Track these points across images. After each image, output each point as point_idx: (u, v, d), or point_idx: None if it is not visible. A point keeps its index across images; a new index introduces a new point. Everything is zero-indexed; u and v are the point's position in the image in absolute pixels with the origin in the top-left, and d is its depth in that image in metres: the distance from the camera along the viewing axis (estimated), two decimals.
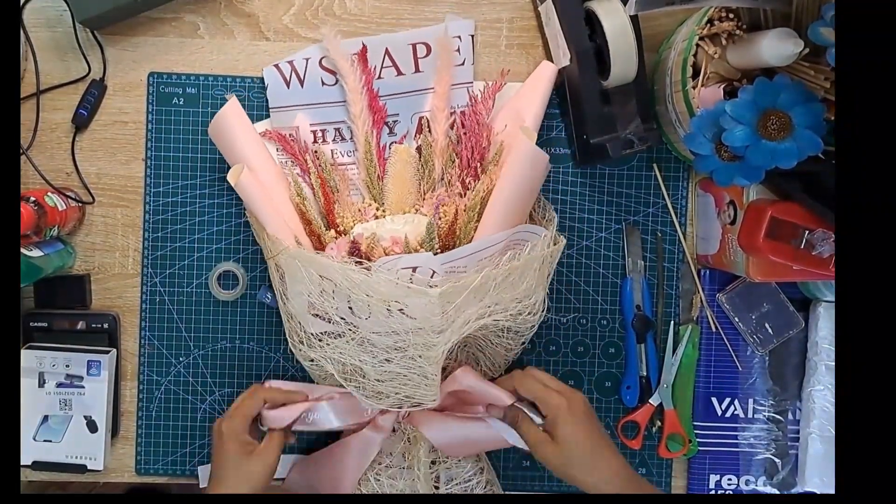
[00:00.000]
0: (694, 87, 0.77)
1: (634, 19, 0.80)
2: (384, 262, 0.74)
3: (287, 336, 0.84)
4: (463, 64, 0.89)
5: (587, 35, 0.82)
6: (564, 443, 0.76)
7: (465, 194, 0.83)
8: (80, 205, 0.89)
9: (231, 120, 0.82)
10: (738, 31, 0.76)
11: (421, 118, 0.89)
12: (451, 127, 0.88)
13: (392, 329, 0.75)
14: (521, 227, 0.79)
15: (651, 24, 0.87)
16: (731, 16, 0.76)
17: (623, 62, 0.81)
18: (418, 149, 0.88)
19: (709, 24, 0.76)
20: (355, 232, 0.81)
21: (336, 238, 0.81)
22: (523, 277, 0.78)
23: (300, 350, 0.82)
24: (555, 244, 0.81)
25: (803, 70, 0.70)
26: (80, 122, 0.89)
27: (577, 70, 0.83)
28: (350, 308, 0.75)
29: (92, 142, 0.90)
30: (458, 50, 0.88)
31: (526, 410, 0.80)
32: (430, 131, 0.87)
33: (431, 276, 0.75)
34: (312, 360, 0.82)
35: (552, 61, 0.89)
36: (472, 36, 0.89)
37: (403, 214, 0.84)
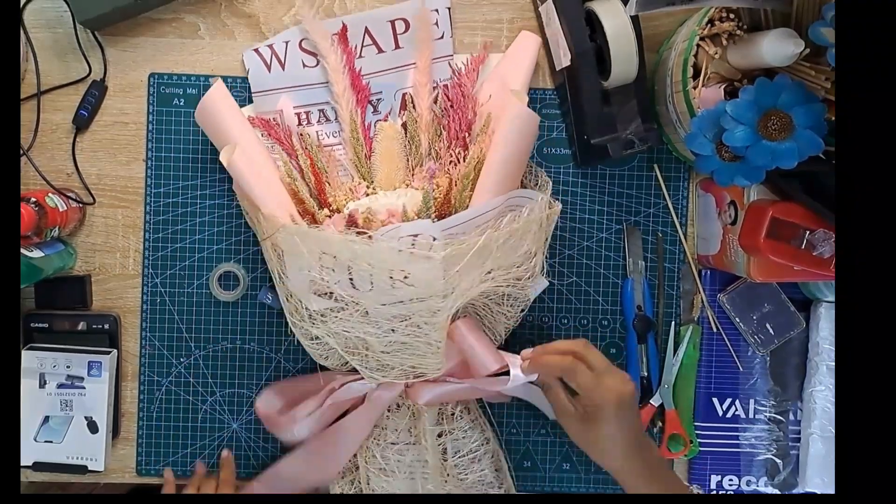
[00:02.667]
0: (694, 88, 0.77)
1: (635, 19, 0.80)
2: (385, 231, 0.74)
3: (287, 317, 0.83)
4: (442, 37, 0.89)
5: (588, 35, 0.82)
6: (601, 436, 0.75)
7: (456, 165, 0.82)
8: (81, 205, 0.89)
9: (217, 103, 0.81)
10: (738, 32, 0.76)
11: (404, 94, 0.89)
12: (435, 101, 0.88)
13: (397, 298, 0.75)
14: (516, 191, 0.79)
15: (651, 24, 0.87)
16: (731, 16, 0.76)
17: (623, 62, 0.81)
18: (403, 125, 0.88)
19: (709, 25, 0.76)
20: (349, 209, 0.81)
21: (330, 216, 0.81)
22: (523, 240, 0.78)
23: (301, 329, 0.82)
24: (550, 209, 0.81)
25: (804, 70, 0.70)
26: (81, 122, 0.89)
27: (577, 70, 0.83)
28: (351, 281, 0.75)
29: (92, 142, 0.90)
30: (437, 23, 0.88)
31: (562, 394, 0.79)
32: (413, 107, 0.87)
33: (432, 244, 0.74)
34: (314, 339, 0.82)
35: (552, 61, 0.89)
36: (449, 8, 0.89)
37: (395, 190, 0.84)
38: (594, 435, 0.76)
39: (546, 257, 0.83)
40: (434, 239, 0.74)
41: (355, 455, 0.88)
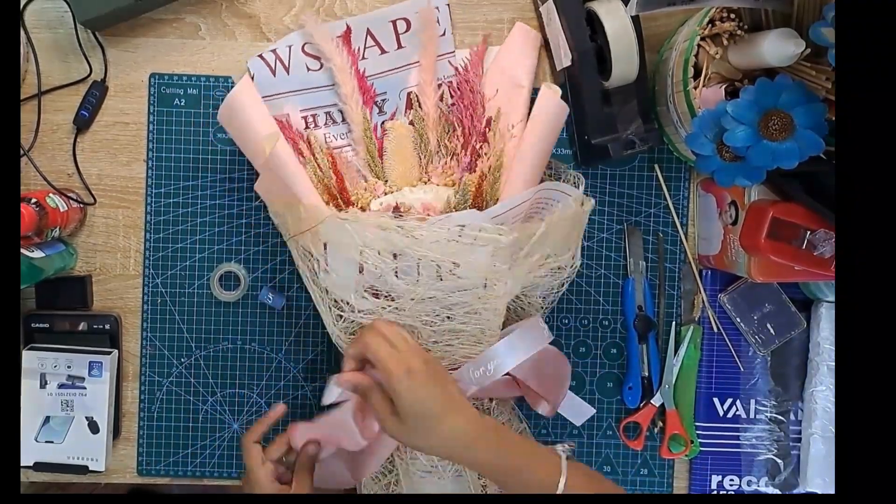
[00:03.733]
0: (695, 88, 0.77)
1: (635, 20, 0.80)
2: (437, 220, 0.73)
3: (324, 315, 0.80)
4: (444, 34, 0.89)
5: (588, 35, 0.82)
6: (404, 415, 0.69)
7: (478, 159, 0.83)
8: (82, 206, 0.89)
9: (245, 99, 0.79)
10: (739, 32, 0.76)
11: (409, 93, 0.89)
12: (441, 98, 0.88)
13: (448, 290, 0.74)
14: (547, 184, 0.80)
15: (652, 24, 0.87)
16: (732, 16, 0.76)
17: (624, 62, 0.81)
18: (411, 123, 0.88)
19: (710, 25, 0.76)
20: (377, 205, 0.80)
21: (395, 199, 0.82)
22: (568, 229, 0.80)
23: (342, 323, 0.78)
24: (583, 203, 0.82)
25: (804, 70, 0.70)
26: (82, 123, 0.89)
27: (578, 70, 0.83)
28: (396, 273, 0.74)
29: (93, 143, 0.90)
30: (438, 20, 0.88)
31: (379, 394, 0.72)
32: (419, 106, 0.87)
33: (482, 229, 0.74)
34: (353, 333, 0.79)
35: (553, 62, 0.89)
36: (448, 5, 0.89)
37: (414, 186, 0.85)
38: (401, 421, 0.70)
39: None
40: (479, 229, 0.73)
41: (389, 460, 0.84)
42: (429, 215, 0.78)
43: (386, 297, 0.76)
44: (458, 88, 0.87)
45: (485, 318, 0.77)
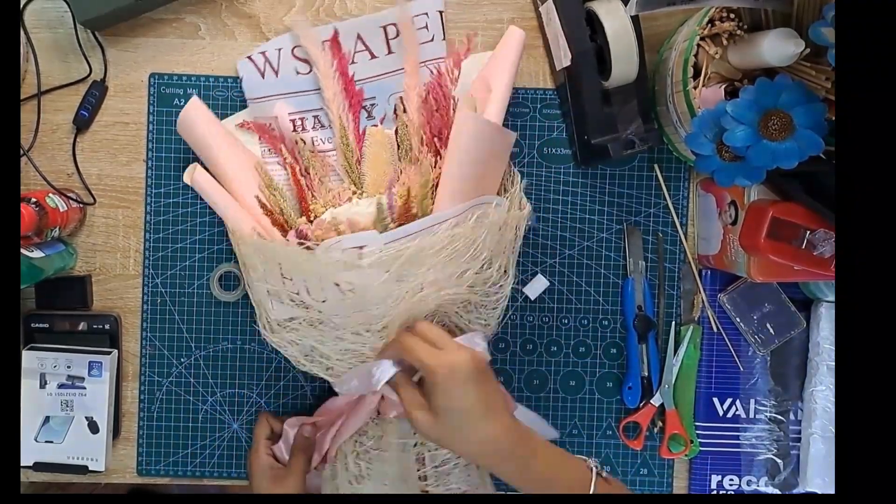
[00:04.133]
0: (695, 88, 0.77)
1: (635, 19, 0.80)
2: (328, 244, 0.74)
3: (258, 323, 0.84)
4: (433, 40, 0.88)
5: (588, 35, 0.82)
6: (440, 411, 0.69)
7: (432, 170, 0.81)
8: (82, 206, 0.89)
9: (194, 116, 0.83)
10: (738, 32, 0.76)
11: (397, 98, 0.89)
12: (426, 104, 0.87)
13: (352, 309, 0.75)
14: (476, 199, 0.77)
15: (652, 24, 0.87)
16: (731, 16, 0.76)
17: (624, 62, 0.81)
18: (396, 129, 0.87)
19: (710, 25, 0.76)
20: (324, 217, 0.80)
21: (305, 224, 0.81)
22: (476, 247, 0.76)
23: (265, 336, 0.83)
24: (521, 209, 0.80)
25: (804, 70, 0.70)
26: (81, 123, 0.89)
27: (577, 70, 0.83)
28: (307, 291, 0.76)
29: (93, 143, 0.90)
30: (427, 27, 0.88)
31: (410, 385, 0.74)
32: (405, 111, 0.87)
33: (367, 253, 0.74)
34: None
35: (553, 62, 0.89)
36: (441, 12, 0.88)
37: (374, 196, 0.83)
38: (436, 418, 0.70)
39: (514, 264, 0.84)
40: (380, 250, 0.73)
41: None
42: (343, 232, 0.77)
43: (307, 310, 0.79)
44: (431, 94, 0.85)
45: (363, 339, 0.78)
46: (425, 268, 0.74)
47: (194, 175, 0.82)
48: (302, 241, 0.76)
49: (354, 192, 0.85)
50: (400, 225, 0.78)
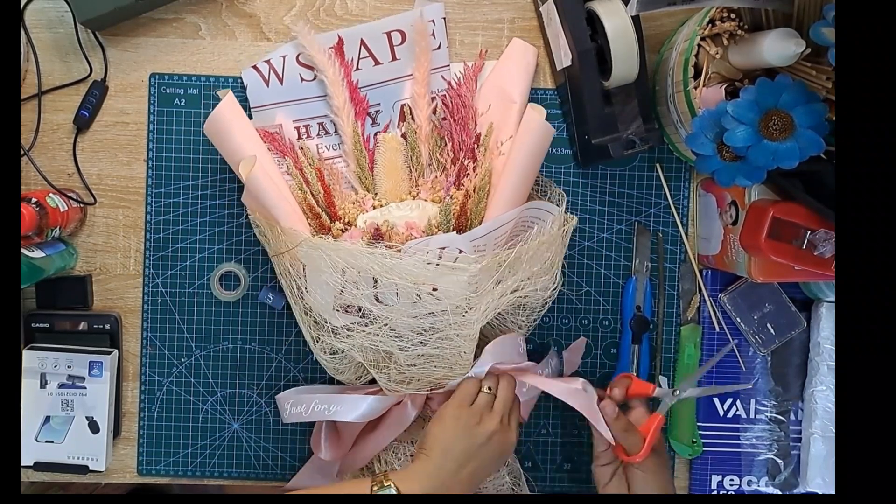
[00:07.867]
0: (695, 88, 0.77)
1: (636, 19, 0.80)
2: (414, 244, 0.74)
3: (305, 332, 0.83)
4: (439, 48, 0.89)
5: (588, 35, 0.82)
6: (632, 483, 0.82)
7: (465, 176, 0.83)
8: (82, 206, 0.89)
9: (228, 116, 0.80)
10: (739, 32, 0.76)
11: (402, 106, 0.89)
12: (434, 112, 0.88)
13: (429, 311, 0.75)
14: (532, 203, 0.81)
15: (652, 24, 0.87)
16: (732, 16, 0.76)
17: (624, 62, 0.80)
18: (403, 136, 0.88)
19: (710, 25, 0.76)
20: (362, 221, 0.81)
21: (344, 230, 0.81)
22: (546, 252, 0.80)
23: (320, 344, 0.81)
24: (566, 223, 0.83)
25: (805, 70, 0.70)
26: (82, 122, 0.89)
27: (578, 70, 0.83)
28: (376, 296, 0.75)
29: (93, 143, 0.90)
30: (433, 34, 0.88)
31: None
32: (412, 118, 0.87)
33: (458, 256, 0.75)
34: (335, 353, 0.82)
35: (553, 61, 0.89)
36: (444, 19, 0.89)
37: (404, 202, 0.84)
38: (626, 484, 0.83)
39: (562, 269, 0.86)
40: (460, 251, 0.74)
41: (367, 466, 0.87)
42: (412, 235, 0.78)
43: (360, 314, 0.78)
44: (451, 103, 0.86)
45: (456, 343, 0.78)
46: (520, 272, 0.77)
47: (254, 170, 0.76)
48: (378, 239, 0.77)
49: (375, 198, 0.85)
50: (456, 228, 0.81)
